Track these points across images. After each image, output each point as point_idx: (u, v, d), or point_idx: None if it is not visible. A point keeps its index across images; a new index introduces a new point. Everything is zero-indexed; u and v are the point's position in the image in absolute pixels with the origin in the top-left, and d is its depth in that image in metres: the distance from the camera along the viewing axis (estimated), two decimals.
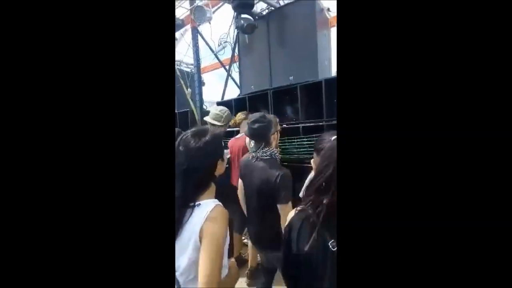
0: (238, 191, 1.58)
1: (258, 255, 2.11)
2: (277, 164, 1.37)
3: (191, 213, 0.76)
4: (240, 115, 2.25)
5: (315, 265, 0.64)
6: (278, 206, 1.28)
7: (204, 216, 0.74)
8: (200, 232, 0.73)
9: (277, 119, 1.52)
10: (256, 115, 1.41)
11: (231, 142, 2.22)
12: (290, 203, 1.27)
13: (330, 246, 0.62)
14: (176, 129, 2.95)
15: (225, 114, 2.24)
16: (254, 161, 1.39)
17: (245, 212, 1.57)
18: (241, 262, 2.23)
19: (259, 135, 1.37)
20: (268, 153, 1.36)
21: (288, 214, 1.20)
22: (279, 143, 1.80)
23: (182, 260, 0.76)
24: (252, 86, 2.65)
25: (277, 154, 1.41)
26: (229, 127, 2.34)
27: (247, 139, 1.93)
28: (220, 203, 0.81)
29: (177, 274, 0.77)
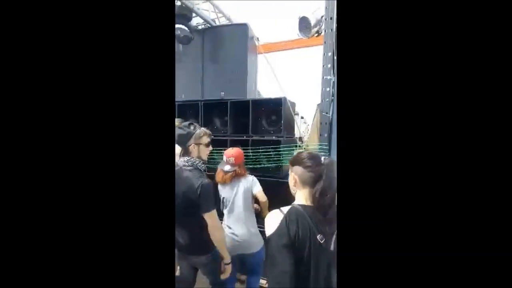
0: None
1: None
2: (200, 174, 1.40)
3: None
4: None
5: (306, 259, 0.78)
6: (204, 215, 1.34)
7: None
8: None
9: (208, 134, 1.51)
10: (185, 123, 1.49)
11: None
12: (214, 211, 1.36)
13: (318, 239, 0.77)
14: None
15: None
16: (181, 172, 1.38)
17: None
18: None
19: (178, 141, 1.43)
20: (190, 163, 1.39)
21: (213, 220, 1.33)
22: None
23: None
24: (183, 95, 2.67)
25: (200, 164, 1.43)
26: None
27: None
28: None
29: None
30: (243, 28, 2.52)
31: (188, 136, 1.41)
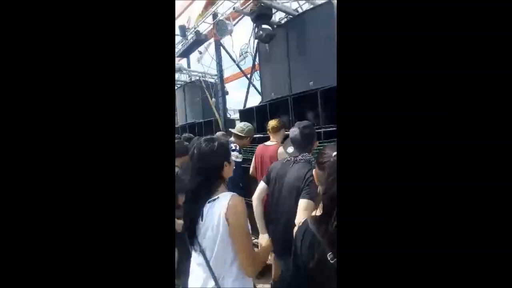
0: (255, 197, 1.59)
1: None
2: (311, 167, 1.39)
3: (212, 206, 0.90)
4: (274, 122, 2.16)
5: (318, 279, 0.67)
6: (299, 201, 1.27)
7: (225, 205, 0.88)
8: (226, 219, 0.86)
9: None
10: (304, 122, 1.49)
11: (259, 148, 2.21)
12: (310, 202, 1.25)
13: (329, 258, 0.63)
14: (187, 135, 3.06)
15: (247, 128, 2.38)
16: (291, 165, 1.43)
17: (258, 220, 1.56)
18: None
19: (304, 143, 1.44)
20: (307, 157, 1.42)
21: (304, 209, 1.22)
22: None
23: (213, 249, 0.89)
24: (272, 94, 2.70)
25: (313, 160, 1.44)
26: (253, 140, 2.42)
27: (281, 149, 1.95)
28: (236, 194, 0.93)
29: (211, 263, 0.89)
30: (327, 7, 2.27)
31: (315, 134, 1.50)
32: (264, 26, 2.42)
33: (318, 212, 0.75)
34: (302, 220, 0.79)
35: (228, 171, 1.00)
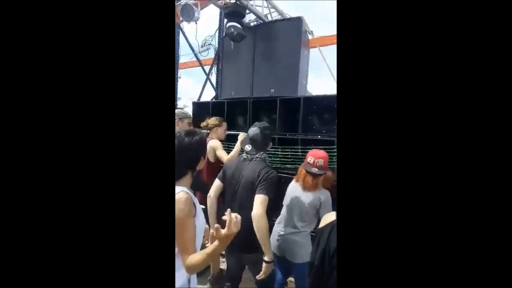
0: (211, 195, 1.58)
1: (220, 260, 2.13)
2: (267, 165, 1.47)
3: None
4: (214, 120, 2.23)
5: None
6: (256, 196, 1.33)
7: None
8: None
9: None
10: (264, 123, 1.55)
11: None
12: (266, 197, 1.32)
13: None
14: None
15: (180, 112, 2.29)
16: (247, 163, 1.48)
17: (211, 217, 1.57)
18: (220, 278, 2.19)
19: (262, 143, 1.51)
20: (262, 156, 1.51)
21: (260, 203, 1.29)
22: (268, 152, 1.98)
23: None
24: (233, 92, 2.70)
25: (267, 159, 1.57)
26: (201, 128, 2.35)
27: (210, 143, 2.04)
28: (187, 191, 0.94)
29: None
30: (296, 22, 2.43)
31: (272, 135, 1.58)
32: (234, 24, 2.41)
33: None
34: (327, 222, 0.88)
35: (201, 164, 1.05)
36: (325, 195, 1.53)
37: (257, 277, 1.40)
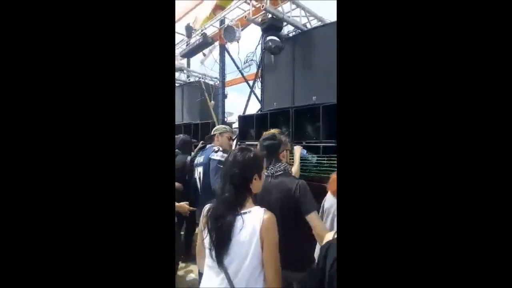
0: None
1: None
2: (292, 177, 1.42)
3: (243, 220, 0.87)
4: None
5: None
6: (307, 217, 1.25)
7: (260, 221, 0.86)
8: (260, 237, 0.85)
9: (288, 139, 1.60)
10: (266, 135, 1.52)
11: None
12: (316, 212, 1.26)
13: None
14: (184, 136, 3.01)
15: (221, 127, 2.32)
16: (270, 180, 1.40)
17: None
18: None
19: (270, 152, 1.45)
20: (282, 167, 1.41)
21: (318, 221, 1.22)
22: (301, 161, 1.88)
23: (241, 264, 0.85)
24: (275, 103, 2.74)
25: (289, 169, 1.49)
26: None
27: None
28: (265, 208, 0.91)
29: (235, 279, 0.84)
30: (333, 26, 2.36)
31: (279, 144, 1.46)
32: (272, 37, 2.48)
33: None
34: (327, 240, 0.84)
35: (256, 186, 0.98)
36: None
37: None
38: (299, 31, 2.69)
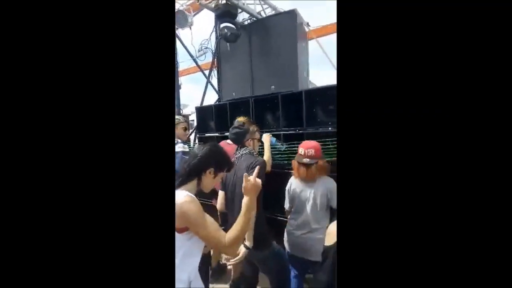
0: (220, 208, 1.58)
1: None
2: (255, 156, 1.53)
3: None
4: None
5: None
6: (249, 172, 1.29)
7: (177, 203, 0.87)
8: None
9: (256, 128, 1.66)
10: (234, 124, 1.59)
11: (222, 144, 2.16)
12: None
13: None
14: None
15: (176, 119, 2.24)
16: (237, 162, 1.48)
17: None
18: (221, 271, 2.21)
19: (236, 139, 1.56)
20: (247, 150, 1.53)
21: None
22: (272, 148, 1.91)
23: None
24: (234, 93, 2.69)
25: (255, 153, 1.57)
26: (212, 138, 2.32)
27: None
28: (191, 194, 0.93)
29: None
30: (290, 15, 2.38)
31: (245, 132, 1.57)
32: (227, 24, 2.40)
33: None
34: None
35: (207, 183, 1.01)
36: (331, 183, 1.52)
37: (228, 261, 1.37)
38: (254, 19, 2.66)
